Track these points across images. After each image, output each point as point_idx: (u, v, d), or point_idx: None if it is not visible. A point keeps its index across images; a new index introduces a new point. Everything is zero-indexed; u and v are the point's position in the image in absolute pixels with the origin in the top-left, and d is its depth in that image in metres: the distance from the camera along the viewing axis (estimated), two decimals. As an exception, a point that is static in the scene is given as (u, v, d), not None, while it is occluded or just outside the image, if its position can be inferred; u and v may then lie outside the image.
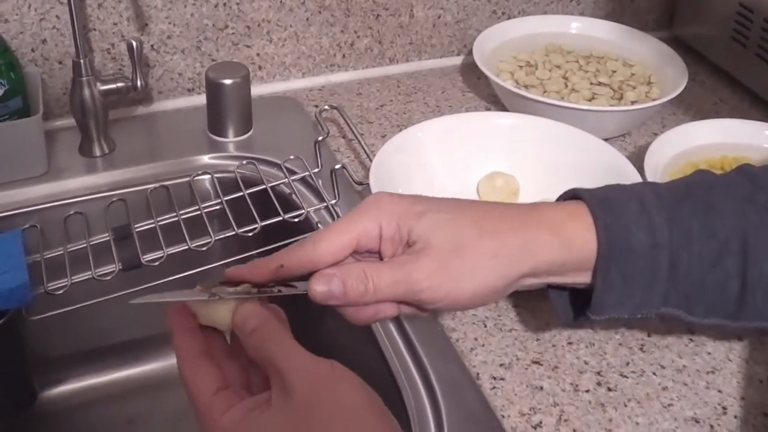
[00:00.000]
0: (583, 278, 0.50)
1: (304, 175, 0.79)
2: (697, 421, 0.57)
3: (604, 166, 0.74)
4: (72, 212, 0.74)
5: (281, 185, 0.78)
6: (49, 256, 0.69)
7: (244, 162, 0.80)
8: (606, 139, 0.81)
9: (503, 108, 0.93)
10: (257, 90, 0.93)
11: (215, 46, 0.91)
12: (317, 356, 0.42)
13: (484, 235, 0.48)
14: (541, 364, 0.61)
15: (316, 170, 0.79)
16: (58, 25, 0.82)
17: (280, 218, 0.73)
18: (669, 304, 0.51)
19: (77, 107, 0.79)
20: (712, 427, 0.57)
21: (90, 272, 0.68)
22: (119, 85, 0.80)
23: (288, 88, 0.97)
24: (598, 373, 0.60)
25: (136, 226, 0.72)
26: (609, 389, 0.59)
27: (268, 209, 0.74)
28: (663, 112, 0.95)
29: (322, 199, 0.77)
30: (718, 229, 0.50)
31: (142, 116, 0.90)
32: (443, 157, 0.77)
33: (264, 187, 0.77)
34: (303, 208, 0.75)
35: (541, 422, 0.56)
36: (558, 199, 0.54)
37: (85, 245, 0.70)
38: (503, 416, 0.57)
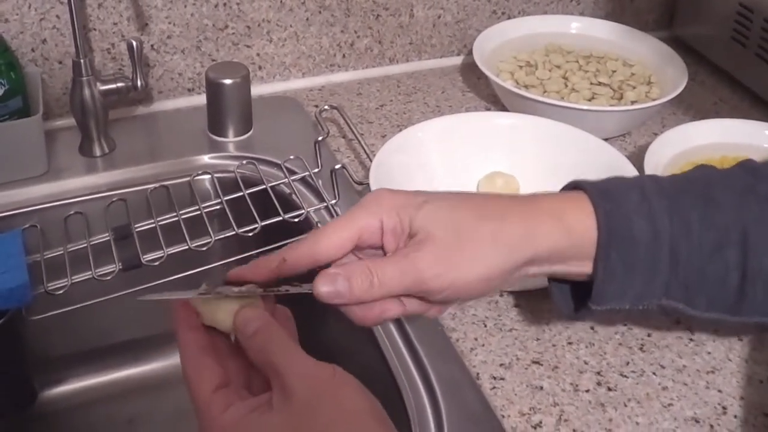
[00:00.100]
0: (584, 268, 0.50)
1: (304, 175, 0.79)
2: (697, 421, 0.57)
3: (604, 166, 0.74)
4: (72, 212, 0.74)
5: (281, 185, 0.78)
6: (49, 256, 0.69)
7: (244, 162, 0.80)
8: (606, 139, 0.81)
9: (503, 108, 0.93)
10: (257, 90, 0.93)
11: (215, 46, 0.91)
12: (319, 361, 0.42)
13: (484, 222, 0.48)
14: (541, 364, 0.61)
15: (316, 170, 0.79)
16: (58, 25, 0.82)
17: (280, 218, 0.73)
18: (670, 294, 0.51)
19: (77, 107, 0.79)
20: (712, 427, 0.57)
21: (90, 272, 0.68)
22: (119, 85, 0.80)
23: (288, 88, 0.97)
24: (598, 373, 0.60)
25: (136, 226, 0.72)
26: (609, 389, 0.59)
27: (268, 209, 0.74)
28: (663, 112, 0.95)
29: (322, 199, 0.77)
30: (718, 219, 0.50)
31: (142, 116, 0.90)
32: (443, 157, 0.77)
33: (264, 187, 0.77)
34: (303, 208, 0.75)
35: (541, 422, 0.56)
36: (560, 191, 0.55)
37: (85, 245, 0.70)
38: (503, 416, 0.57)
